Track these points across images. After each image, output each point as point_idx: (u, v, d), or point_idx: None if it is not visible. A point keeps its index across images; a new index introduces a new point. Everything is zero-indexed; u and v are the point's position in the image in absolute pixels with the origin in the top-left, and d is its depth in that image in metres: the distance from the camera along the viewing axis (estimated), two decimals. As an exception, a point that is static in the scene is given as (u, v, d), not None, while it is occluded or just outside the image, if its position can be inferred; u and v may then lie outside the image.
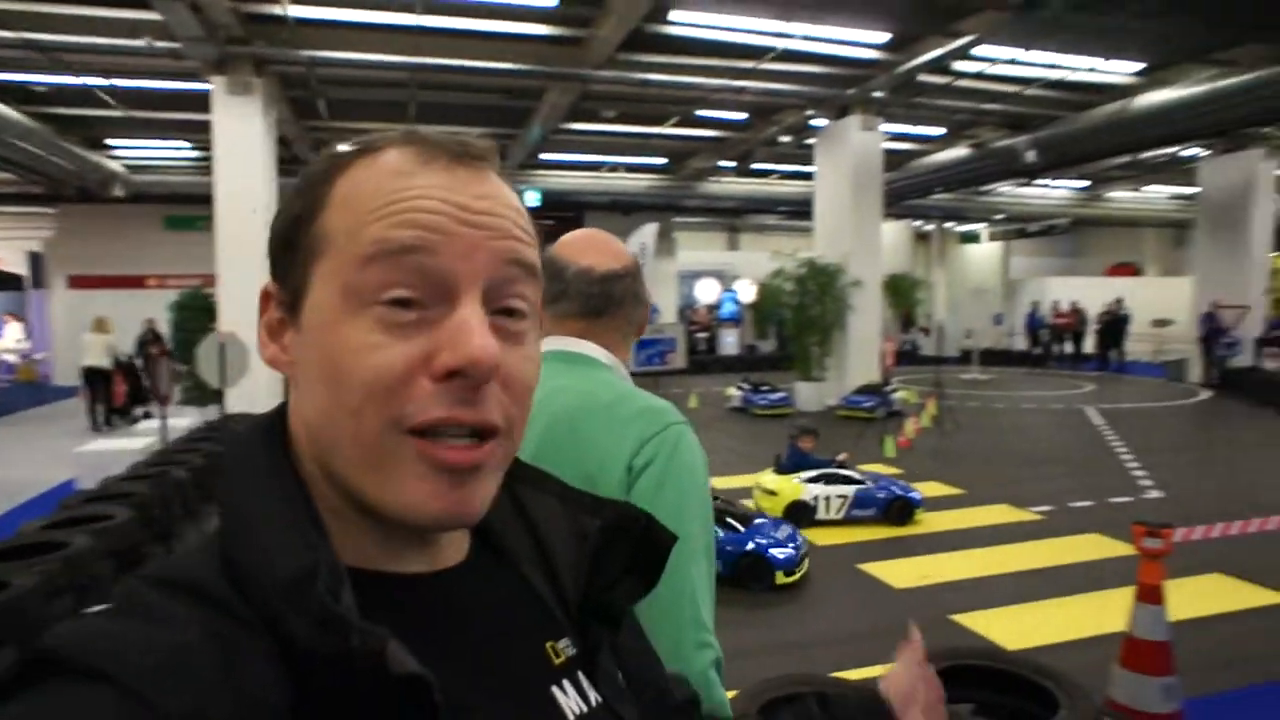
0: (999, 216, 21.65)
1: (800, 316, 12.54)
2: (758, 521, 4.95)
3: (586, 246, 1.23)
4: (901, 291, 22.57)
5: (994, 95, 11.70)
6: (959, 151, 14.66)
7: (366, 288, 0.46)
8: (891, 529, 5.87)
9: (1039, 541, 5.57)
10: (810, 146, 13.33)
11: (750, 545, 4.65)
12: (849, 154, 12.10)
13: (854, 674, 3.35)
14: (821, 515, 5.89)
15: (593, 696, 0.56)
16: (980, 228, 22.04)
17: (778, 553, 4.64)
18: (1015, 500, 6.64)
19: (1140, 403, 13.23)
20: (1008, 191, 20.43)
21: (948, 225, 24.54)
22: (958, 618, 4.22)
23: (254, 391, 7.77)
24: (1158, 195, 21.92)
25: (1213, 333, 14.77)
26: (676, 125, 13.32)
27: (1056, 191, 21.42)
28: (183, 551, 0.51)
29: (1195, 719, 2.94)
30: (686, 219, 21.44)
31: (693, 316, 21.15)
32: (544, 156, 15.09)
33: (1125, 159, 15.31)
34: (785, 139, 13.50)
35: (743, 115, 12.86)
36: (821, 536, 5.61)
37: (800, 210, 17.19)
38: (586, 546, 0.60)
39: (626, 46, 9.27)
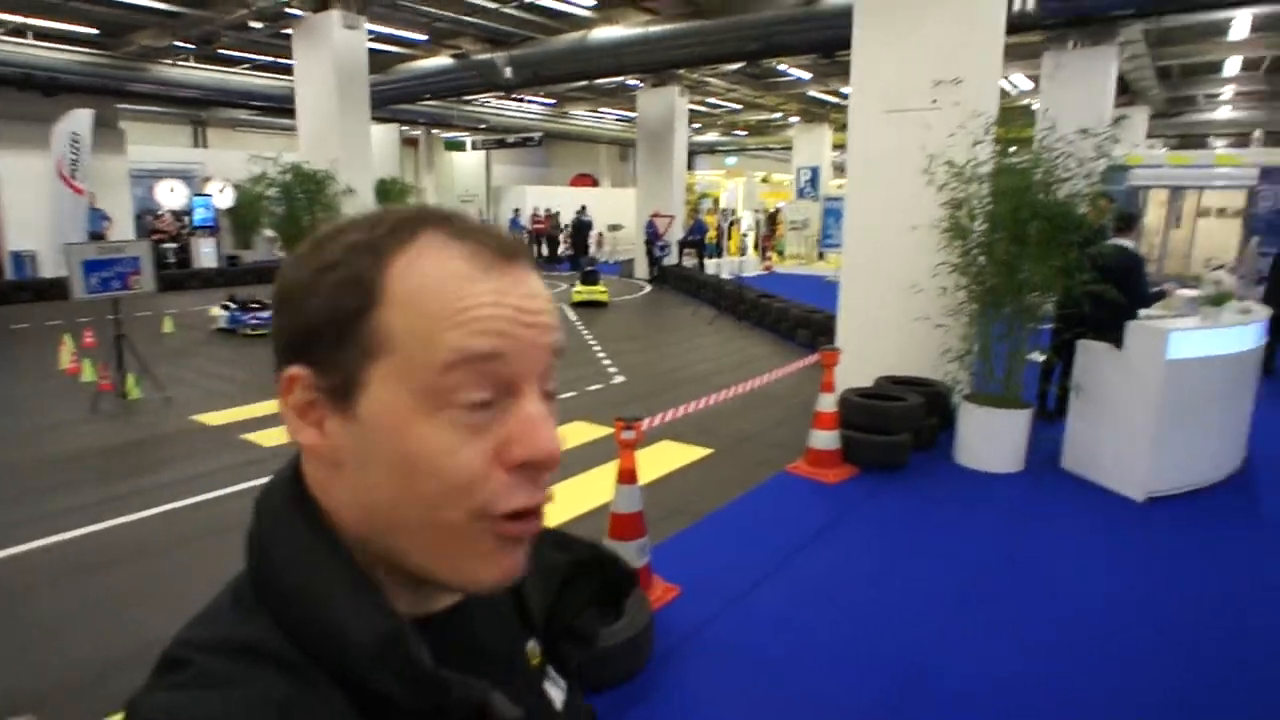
0: (482, 126, 22.75)
1: (290, 226, 11.68)
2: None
3: None
4: (392, 197, 22.46)
5: (474, 8, 12.07)
6: (443, 61, 14.87)
7: (445, 391, 0.49)
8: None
9: (538, 435, 6.35)
10: (288, 37, 12.16)
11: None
12: (332, 52, 11.38)
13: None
14: None
15: (563, 684, 0.66)
16: (465, 136, 22.91)
17: None
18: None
19: (604, 299, 15.58)
20: (489, 103, 21.54)
21: (435, 132, 24.93)
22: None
23: None
24: (609, 116, 25.37)
25: (652, 236, 18.02)
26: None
27: (531, 106, 23.31)
28: (214, 613, 0.52)
29: (657, 563, 3.81)
30: (138, 107, 17.88)
31: (157, 225, 18.01)
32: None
33: (584, 83, 17.31)
34: (257, 25, 12.06)
35: (200, -11, 11.08)
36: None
37: (278, 106, 15.71)
38: (554, 579, 0.67)
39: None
